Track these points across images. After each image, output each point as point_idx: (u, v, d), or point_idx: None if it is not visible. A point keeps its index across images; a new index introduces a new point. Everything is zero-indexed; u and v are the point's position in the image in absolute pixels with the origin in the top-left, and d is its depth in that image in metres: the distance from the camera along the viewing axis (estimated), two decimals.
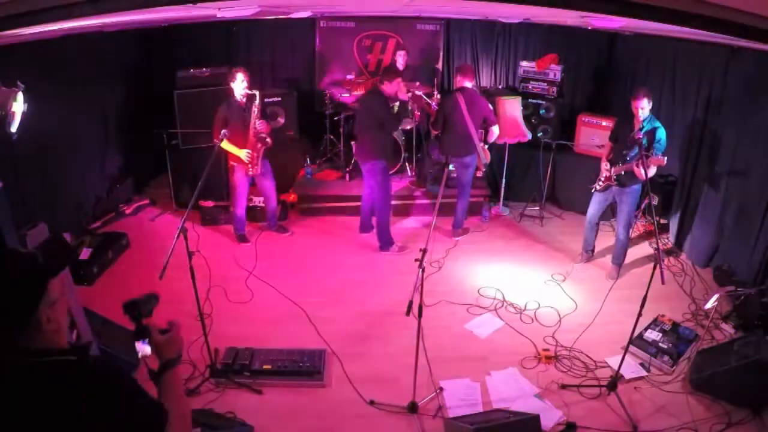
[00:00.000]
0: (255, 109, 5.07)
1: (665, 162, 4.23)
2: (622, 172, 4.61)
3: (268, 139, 5.25)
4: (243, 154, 5.11)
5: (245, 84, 5.00)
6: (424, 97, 6.07)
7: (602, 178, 4.83)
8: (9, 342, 1.33)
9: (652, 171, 4.25)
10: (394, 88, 5.06)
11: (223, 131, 4.53)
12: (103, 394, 1.34)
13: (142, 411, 1.40)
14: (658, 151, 4.34)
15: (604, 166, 4.80)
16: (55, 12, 2.24)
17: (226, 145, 5.05)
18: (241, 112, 5.08)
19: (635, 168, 4.39)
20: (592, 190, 4.97)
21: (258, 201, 5.88)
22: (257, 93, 5.04)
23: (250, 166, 5.18)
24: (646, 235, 5.78)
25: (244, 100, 5.06)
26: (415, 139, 6.66)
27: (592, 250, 5.30)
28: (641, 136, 4.37)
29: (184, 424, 1.56)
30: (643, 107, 4.38)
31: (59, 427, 1.29)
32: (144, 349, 1.63)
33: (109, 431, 1.32)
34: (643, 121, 4.45)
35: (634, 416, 3.40)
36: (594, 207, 5.05)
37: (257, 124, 5.10)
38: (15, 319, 1.34)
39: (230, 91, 5.07)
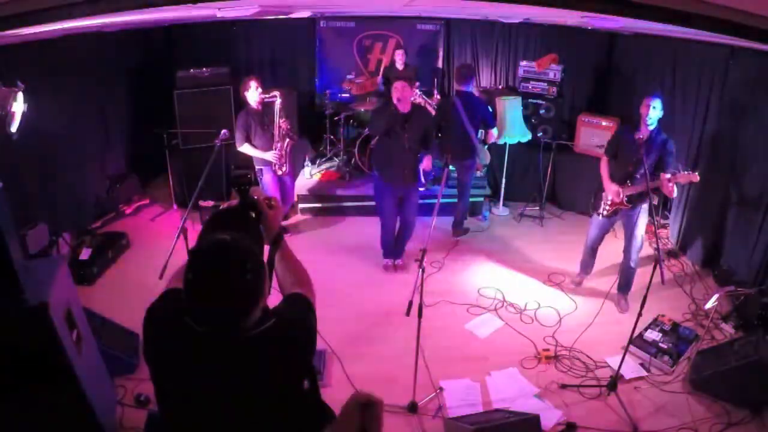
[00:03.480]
0: (278, 109, 5.12)
1: (698, 178, 3.85)
2: (634, 193, 4.13)
3: (294, 135, 5.34)
4: (269, 155, 5.17)
5: (260, 91, 5.07)
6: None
7: (609, 202, 4.30)
8: (245, 321, 1.45)
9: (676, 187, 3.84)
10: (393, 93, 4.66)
11: (223, 131, 4.53)
12: (300, 341, 1.58)
13: (313, 319, 1.69)
14: (670, 165, 3.97)
15: (614, 188, 4.19)
16: (55, 12, 2.24)
17: (249, 150, 5.15)
18: (260, 118, 5.15)
19: (668, 185, 3.84)
20: (599, 216, 4.42)
21: None
22: (278, 94, 5.12)
23: (277, 166, 5.23)
24: (647, 236, 5.77)
25: (260, 106, 5.13)
26: None
27: (591, 269, 4.92)
28: (640, 138, 4.00)
29: (308, 277, 1.84)
30: (656, 107, 3.94)
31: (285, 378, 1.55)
32: None
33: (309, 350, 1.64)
34: (651, 127, 3.98)
35: (634, 416, 3.40)
36: (597, 232, 4.56)
37: (281, 122, 5.17)
38: (257, 298, 1.46)
39: (244, 99, 5.14)
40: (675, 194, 3.88)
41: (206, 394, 1.48)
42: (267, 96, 5.09)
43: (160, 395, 1.59)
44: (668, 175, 3.86)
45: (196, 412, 1.51)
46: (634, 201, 4.20)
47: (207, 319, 1.43)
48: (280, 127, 5.16)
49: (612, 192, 4.23)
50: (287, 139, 5.25)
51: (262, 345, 1.47)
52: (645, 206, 4.22)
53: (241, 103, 5.35)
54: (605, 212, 4.36)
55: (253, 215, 1.77)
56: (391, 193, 4.84)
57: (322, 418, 1.78)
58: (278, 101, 5.11)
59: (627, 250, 4.43)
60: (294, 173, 5.59)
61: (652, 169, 3.99)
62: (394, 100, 4.58)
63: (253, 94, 5.07)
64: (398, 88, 4.58)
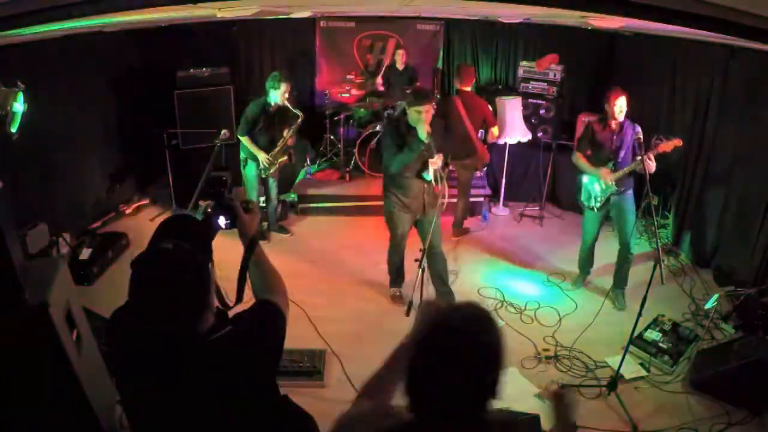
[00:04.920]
0: (294, 127, 5.15)
1: (681, 142, 4.10)
2: (621, 174, 4.25)
3: (292, 156, 5.34)
4: (262, 157, 5.13)
5: (287, 96, 5.00)
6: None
7: (600, 191, 4.40)
8: (192, 329, 1.45)
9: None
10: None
11: (223, 131, 4.54)
12: (258, 349, 1.57)
13: (280, 328, 1.67)
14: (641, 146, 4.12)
15: (604, 171, 4.30)
16: (55, 12, 2.24)
17: (247, 141, 5.10)
18: (271, 118, 5.10)
19: (647, 162, 3.96)
20: (594, 210, 4.50)
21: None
22: (301, 115, 5.12)
23: (263, 169, 5.20)
24: (646, 235, 5.78)
25: (276, 108, 5.07)
26: None
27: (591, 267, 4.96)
28: (638, 135, 4.14)
29: (282, 286, 1.82)
30: (621, 103, 4.16)
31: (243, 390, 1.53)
32: (221, 224, 1.79)
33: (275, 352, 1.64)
34: (620, 119, 4.21)
35: (634, 416, 3.40)
36: (593, 227, 4.61)
37: (289, 139, 5.18)
38: (201, 307, 1.47)
39: (265, 92, 5.06)
40: (653, 168, 4.02)
41: (167, 402, 1.47)
42: (291, 108, 5.04)
43: (125, 406, 1.59)
44: (652, 150, 4.04)
45: (160, 421, 1.50)
46: (622, 184, 4.34)
47: (152, 325, 1.42)
48: (286, 141, 5.16)
49: (605, 176, 4.30)
50: (285, 156, 5.24)
51: (217, 352, 1.47)
52: (631, 191, 4.40)
53: (242, 102, 5.34)
54: (598, 204, 4.44)
55: (230, 219, 1.77)
56: (408, 218, 4.29)
57: (295, 428, 1.76)
58: (299, 120, 5.12)
59: (623, 239, 4.47)
60: (277, 175, 5.58)
61: (632, 152, 4.25)
62: (424, 134, 3.83)
63: (278, 95, 4.95)
64: (429, 113, 3.83)
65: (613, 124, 4.28)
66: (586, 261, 4.85)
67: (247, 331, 1.56)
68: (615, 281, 4.61)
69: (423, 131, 3.83)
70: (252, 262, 1.80)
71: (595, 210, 4.49)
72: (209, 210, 1.80)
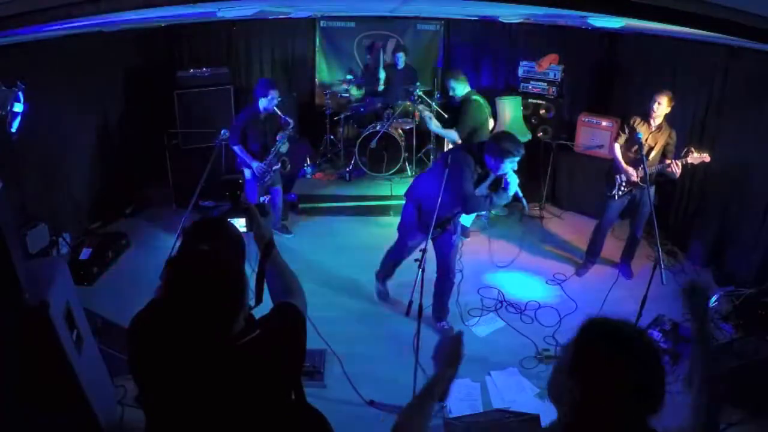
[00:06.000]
0: (286, 135, 5.12)
1: (709, 158, 4.33)
2: (649, 174, 4.38)
3: (287, 164, 5.33)
4: (255, 165, 5.08)
5: (275, 102, 4.96)
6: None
7: (625, 183, 4.67)
8: (226, 332, 1.44)
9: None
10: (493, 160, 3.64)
11: (223, 131, 4.53)
12: (285, 351, 1.58)
13: (302, 329, 1.65)
14: (670, 152, 4.55)
15: (631, 171, 4.59)
16: (55, 12, 2.25)
17: (238, 150, 5.07)
18: (262, 126, 5.07)
19: (675, 167, 4.38)
20: (615, 197, 4.75)
21: (263, 199, 5.86)
22: (292, 122, 5.11)
23: (258, 176, 5.15)
24: (646, 235, 5.77)
25: (265, 116, 5.04)
26: (416, 139, 6.66)
27: (598, 256, 5.14)
28: (637, 137, 4.39)
29: (299, 287, 1.81)
30: (662, 103, 4.41)
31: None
32: (238, 227, 1.84)
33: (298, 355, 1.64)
34: (659, 121, 4.47)
35: None
36: (614, 213, 4.88)
37: (282, 148, 5.14)
38: (238, 308, 1.46)
39: (254, 98, 5.02)
40: (678, 174, 4.38)
41: (191, 405, 1.46)
42: (282, 115, 5.01)
43: (146, 406, 1.58)
44: (681, 159, 4.36)
45: (181, 423, 1.50)
46: (650, 180, 4.52)
47: (186, 329, 1.41)
48: (278, 149, 5.12)
49: (631, 175, 4.62)
50: (279, 164, 5.22)
51: (247, 355, 1.46)
52: (653, 188, 4.60)
53: (242, 103, 5.34)
54: (620, 193, 4.72)
55: (246, 223, 1.78)
56: (423, 237, 3.86)
57: (308, 428, 1.77)
58: (291, 126, 5.11)
59: (636, 224, 4.88)
60: (282, 188, 5.56)
61: (661, 154, 4.55)
62: (516, 186, 3.75)
63: (268, 102, 4.92)
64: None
65: (653, 124, 4.51)
66: (597, 248, 5.03)
67: (274, 335, 1.55)
68: (623, 254, 5.08)
69: (516, 185, 3.68)
70: (269, 264, 1.79)
71: (616, 198, 4.74)
72: (224, 213, 1.82)
